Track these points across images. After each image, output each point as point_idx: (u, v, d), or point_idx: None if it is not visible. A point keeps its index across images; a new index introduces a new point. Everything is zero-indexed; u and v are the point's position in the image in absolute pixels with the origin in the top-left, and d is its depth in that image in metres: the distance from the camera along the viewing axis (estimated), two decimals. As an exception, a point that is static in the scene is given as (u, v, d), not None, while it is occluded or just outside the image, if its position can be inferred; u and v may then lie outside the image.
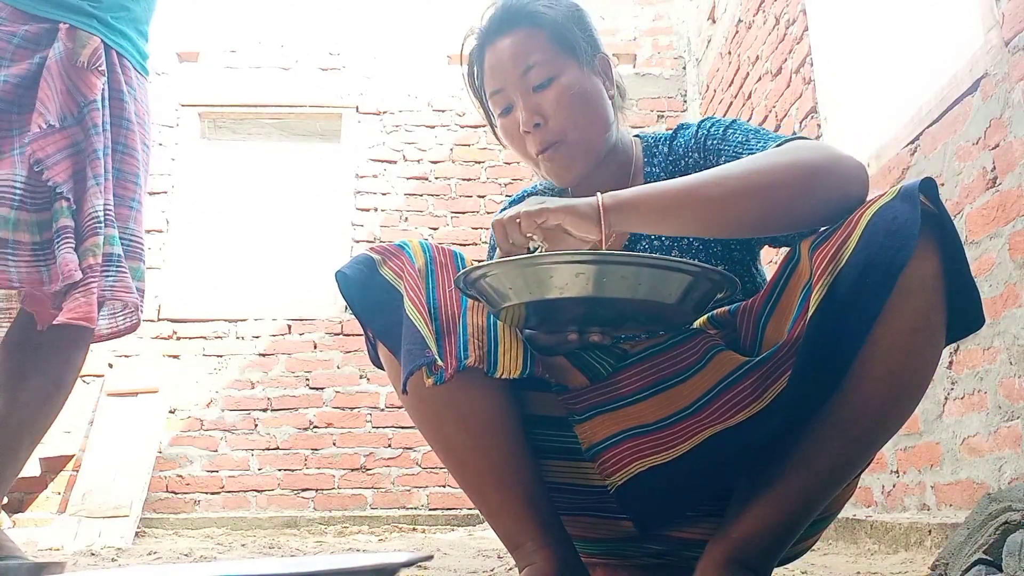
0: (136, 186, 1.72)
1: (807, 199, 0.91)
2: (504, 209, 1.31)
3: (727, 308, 1.02)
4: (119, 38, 1.71)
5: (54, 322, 1.51)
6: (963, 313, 0.89)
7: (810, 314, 0.85)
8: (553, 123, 1.10)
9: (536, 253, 0.89)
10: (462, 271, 0.91)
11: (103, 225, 1.58)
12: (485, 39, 1.15)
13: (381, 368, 1.08)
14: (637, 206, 0.90)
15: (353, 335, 4.31)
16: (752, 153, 1.03)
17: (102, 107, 1.63)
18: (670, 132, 1.22)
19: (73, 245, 1.53)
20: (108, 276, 1.58)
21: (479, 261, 0.96)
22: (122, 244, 1.65)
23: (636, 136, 1.25)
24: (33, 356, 1.55)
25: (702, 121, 1.15)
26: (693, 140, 1.15)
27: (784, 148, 0.96)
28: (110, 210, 1.61)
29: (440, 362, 0.92)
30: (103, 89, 1.64)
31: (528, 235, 0.90)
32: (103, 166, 1.61)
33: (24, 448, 1.53)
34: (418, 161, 4.68)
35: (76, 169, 1.59)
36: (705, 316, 1.03)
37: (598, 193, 0.91)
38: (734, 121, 1.12)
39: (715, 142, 1.11)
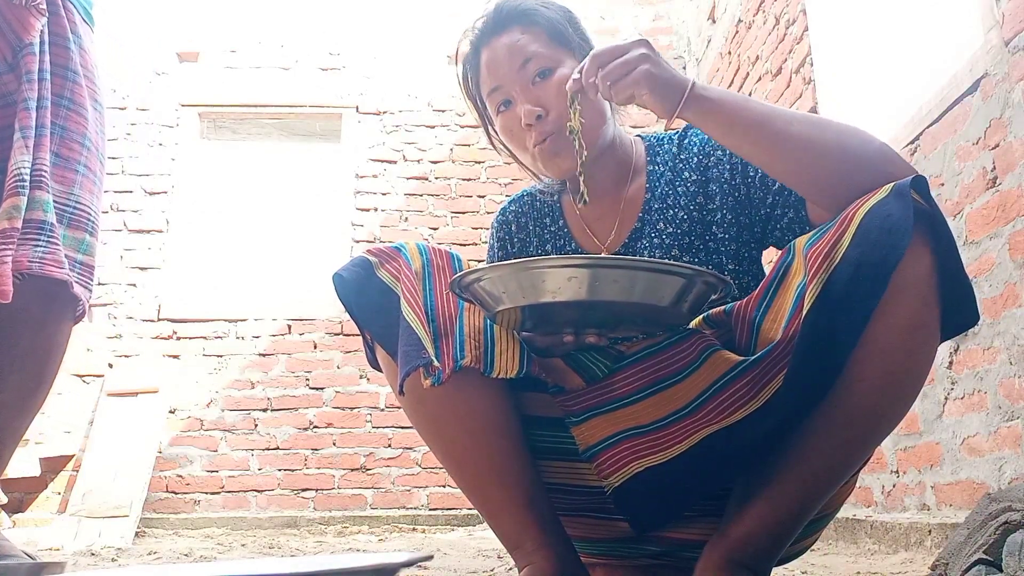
0: (83, 148, 1.51)
1: (864, 178, 0.92)
2: (504, 207, 1.31)
3: (722, 308, 1.02)
4: None
5: None
6: (958, 310, 0.89)
7: (804, 312, 0.85)
8: (554, 114, 1.11)
9: (530, 257, 0.90)
10: (457, 275, 0.92)
11: (27, 186, 1.37)
12: (480, 40, 1.17)
13: (379, 370, 1.08)
14: (718, 109, 0.96)
15: (353, 335, 4.31)
16: None
17: (39, 53, 1.44)
18: (678, 131, 1.22)
19: None
20: (37, 246, 1.38)
21: (478, 262, 0.96)
22: (64, 211, 1.46)
23: (638, 136, 1.25)
24: (10, 354, 1.44)
25: None
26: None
27: (857, 128, 0.98)
28: (44, 171, 1.41)
29: (437, 363, 0.93)
30: (42, 33, 1.45)
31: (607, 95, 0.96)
32: (34, 119, 1.41)
33: (8, 448, 1.47)
34: (418, 161, 4.68)
35: (3, 124, 1.41)
36: (700, 316, 1.03)
37: (693, 79, 0.96)
38: None
39: None
